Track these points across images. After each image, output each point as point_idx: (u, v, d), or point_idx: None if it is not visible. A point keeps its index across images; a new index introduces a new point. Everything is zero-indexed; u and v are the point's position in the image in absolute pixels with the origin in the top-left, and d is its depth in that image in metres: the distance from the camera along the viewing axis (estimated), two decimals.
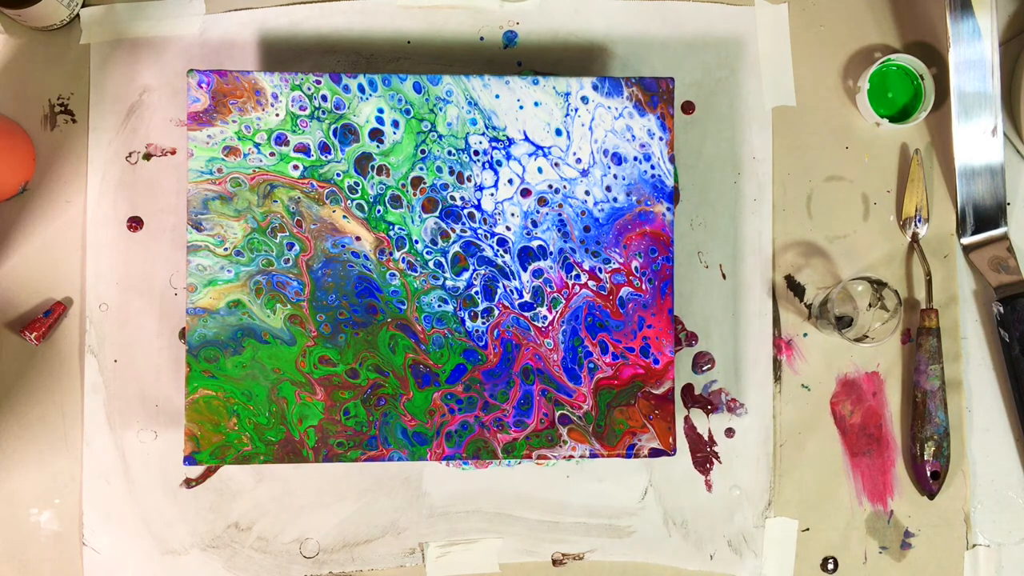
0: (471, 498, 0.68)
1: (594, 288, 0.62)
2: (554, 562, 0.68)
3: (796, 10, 0.71)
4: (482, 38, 0.70)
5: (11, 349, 0.67)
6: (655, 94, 0.62)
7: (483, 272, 0.61)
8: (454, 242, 0.61)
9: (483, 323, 0.61)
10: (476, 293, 0.61)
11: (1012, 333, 0.69)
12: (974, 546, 0.70)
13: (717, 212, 0.70)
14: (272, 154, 0.60)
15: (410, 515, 0.68)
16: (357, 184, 0.61)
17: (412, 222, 0.61)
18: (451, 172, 0.61)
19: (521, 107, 0.62)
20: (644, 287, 0.62)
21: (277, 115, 0.60)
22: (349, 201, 0.61)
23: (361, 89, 0.61)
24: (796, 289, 0.70)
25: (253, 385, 0.60)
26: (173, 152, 0.68)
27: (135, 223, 0.68)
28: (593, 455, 0.61)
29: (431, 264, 0.61)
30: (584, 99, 0.62)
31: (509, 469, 0.69)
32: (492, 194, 0.61)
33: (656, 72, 0.70)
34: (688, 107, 0.70)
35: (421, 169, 0.61)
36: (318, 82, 0.60)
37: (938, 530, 0.70)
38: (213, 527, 0.67)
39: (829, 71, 0.71)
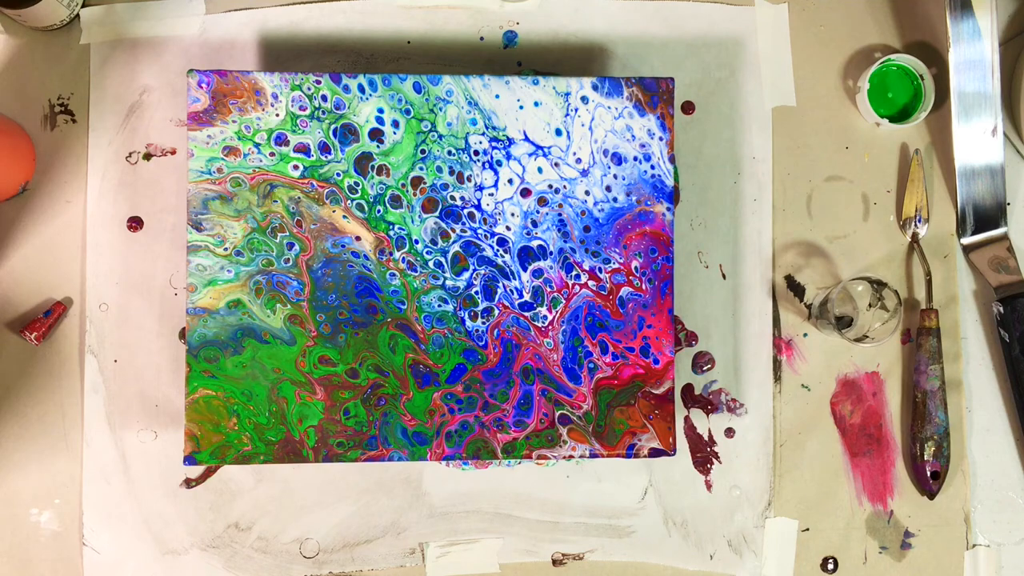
0: (471, 498, 0.68)
1: (594, 288, 0.62)
2: (554, 562, 0.68)
3: (796, 10, 0.71)
4: (482, 38, 0.70)
5: (11, 349, 0.67)
6: (655, 94, 0.62)
7: (483, 272, 0.61)
8: (454, 242, 0.61)
9: (483, 323, 0.61)
10: (476, 293, 0.61)
11: (1012, 333, 0.69)
12: (974, 546, 0.70)
13: (717, 212, 0.70)
14: (272, 154, 0.60)
15: (410, 515, 0.68)
16: (357, 184, 0.61)
17: (412, 222, 0.61)
18: (451, 172, 0.61)
19: (521, 107, 0.62)
20: (644, 287, 0.62)
21: (277, 115, 0.60)
22: (349, 201, 0.61)
23: (361, 89, 0.61)
24: (796, 289, 0.70)
25: (253, 385, 0.60)
26: (173, 152, 0.68)
27: (135, 223, 0.68)
28: (593, 455, 0.61)
29: (431, 264, 0.61)
30: (584, 99, 0.62)
31: (509, 469, 0.69)
32: (492, 194, 0.61)
33: (656, 72, 0.70)
34: (688, 107, 0.70)
35: (421, 169, 0.61)
36: (318, 82, 0.60)
37: (938, 530, 0.70)
38: (213, 527, 0.67)
39: (829, 71, 0.71)
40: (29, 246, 0.67)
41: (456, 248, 0.61)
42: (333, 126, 0.61)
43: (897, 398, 0.70)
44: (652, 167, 0.62)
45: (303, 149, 0.60)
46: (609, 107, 0.62)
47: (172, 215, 0.68)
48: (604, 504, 0.69)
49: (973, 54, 0.68)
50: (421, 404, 0.60)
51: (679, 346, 0.70)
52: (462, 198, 0.61)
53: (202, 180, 0.60)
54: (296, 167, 0.60)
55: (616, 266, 0.62)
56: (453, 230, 0.61)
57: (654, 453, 0.62)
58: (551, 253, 0.62)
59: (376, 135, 0.61)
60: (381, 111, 0.61)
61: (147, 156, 0.68)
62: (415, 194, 0.61)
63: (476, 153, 0.61)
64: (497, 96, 0.61)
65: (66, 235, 0.68)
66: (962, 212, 0.71)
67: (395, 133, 0.61)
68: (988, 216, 0.70)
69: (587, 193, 0.62)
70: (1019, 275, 0.69)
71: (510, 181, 0.62)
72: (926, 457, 0.68)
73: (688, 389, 0.69)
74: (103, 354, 0.67)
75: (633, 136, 0.62)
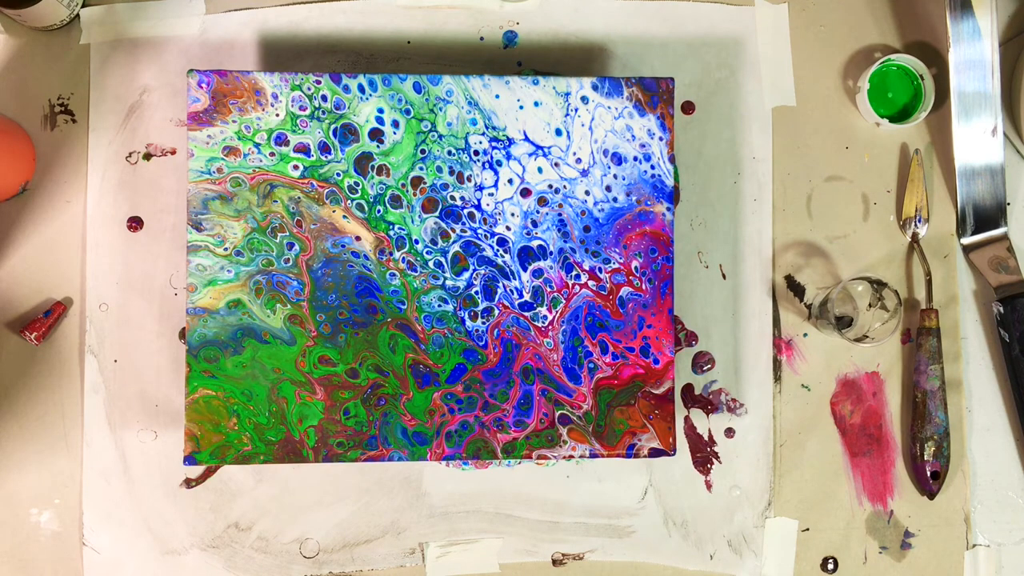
0: (471, 498, 0.68)
1: (594, 288, 0.62)
2: (554, 562, 0.68)
3: (796, 10, 0.71)
4: (482, 38, 0.70)
5: (11, 349, 0.67)
6: (655, 94, 0.62)
7: (483, 272, 0.61)
8: (454, 242, 0.61)
9: (483, 323, 0.61)
10: (476, 293, 0.61)
11: (1012, 333, 0.69)
12: (974, 546, 0.70)
13: (717, 212, 0.70)
14: (272, 154, 0.60)
15: (410, 515, 0.68)
16: (357, 184, 0.61)
17: (412, 222, 0.61)
18: (451, 172, 0.61)
19: (521, 107, 0.62)
20: (644, 287, 0.62)
21: (277, 115, 0.60)
22: (349, 201, 0.61)
23: (361, 89, 0.61)
24: (796, 289, 0.70)
25: (253, 385, 0.60)
26: (173, 152, 0.68)
27: (135, 223, 0.68)
28: (593, 455, 0.61)
29: (431, 264, 0.61)
30: (584, 99, 0.62)
31: (509, 469, 0.69)
32: (492, 194, 0.61)
33: (656, 72, 0.70)
34: (688, 107, 0.70)
35: (421, 169, 0.61)
36: (318, 82, 0.60)
37: (938, 530, 0.70)
38: (213, 527, 0.67)
39: (829, 71, 0.71)
40: (29, 246, 0.67)
41: (456, 248, 0.61)
42: (333, 126, 0.61)
43: (897, 398, 0.70)
44: (652, 167, 0.62)
45: (303, 149, 0.60)
46: (609, 107, 0.62)
47: (172, 215, 0.68)
48: (604, 504, 0.69)
49: (973, 54, 0.68)
50: (421, 404, 0.60)
51: (679, 346, 0.70)
52: (462, 198, 0.61)
53: (202, 180, 0.60)
54: (296, 167, 0.60)
55: (616, 266, 0.62)
56: (453, 230, 0.61)
57: (654, 453, 0.62)
58: (551, 253, 0.62)
59: (376, 135, 0.61)
60: (381, 111, 0.61)
61: (147, 156, 0.68)
62: (415, 194, 0.61)
63: (476, 153, 0.61)
64: (497, 96, 0.61)
65: (66, 235, 0.68)
66: (962, 212, 0.71)
67: (395, 133, 0.61)
68: (988, 216, 0.70)
69: (587, 193, 0.62)
70: (1019, 275, 0.69)
71: (510, 181, 0.62)
72: (926, 457, 0.68)
73: (688, 389, 0.69)
74: (103, 354, 0.67)
75: (633, 136, 0.62)
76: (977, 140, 0.69)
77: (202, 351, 0.59)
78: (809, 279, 0.70)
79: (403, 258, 0.61)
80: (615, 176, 0.62)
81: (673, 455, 0.62)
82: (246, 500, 0.67)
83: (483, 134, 0.61)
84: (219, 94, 0.60)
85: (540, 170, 0.62)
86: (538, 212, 0.62)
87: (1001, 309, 0.69)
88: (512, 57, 0.70)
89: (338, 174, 0.61)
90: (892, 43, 0.72)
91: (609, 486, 0.69)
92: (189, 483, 0.67)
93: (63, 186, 0.68)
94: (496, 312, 0.61)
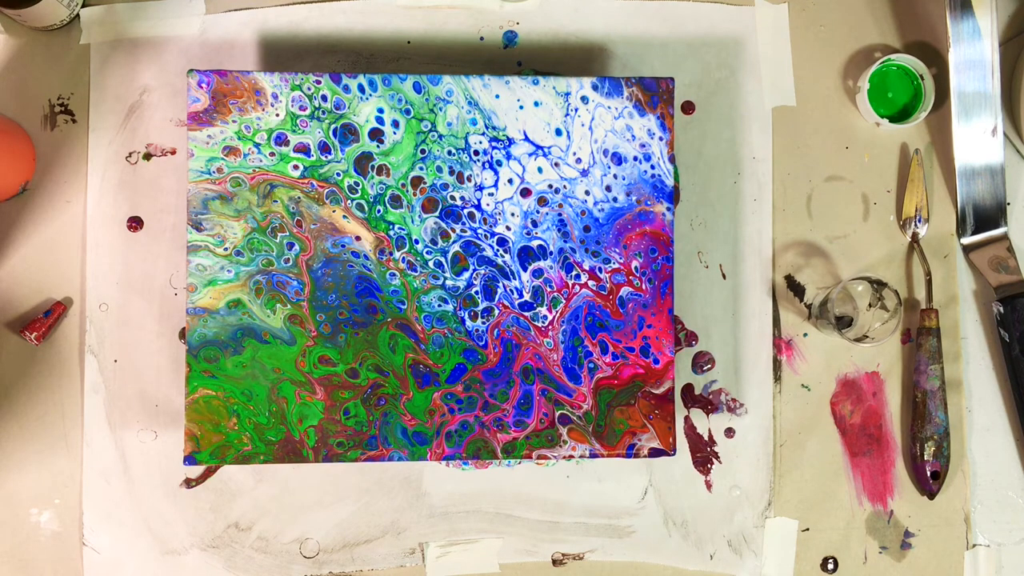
0: (471, 498, 0.68)
1: (594, 288, 0.62)
2: (554, 562, 0.68)
3: (796, 10, 0.71)
4: (482, 38, 0.70)
5: (11, 349, 0.67)
6: (655, 94, 0.62)
7: (483, 272, 0.61)
8: (454, 242, 0.61)
9: (483, 323, 0.61)
10: (476, 293, 0.61)
11: (1012, 333, 0.69)
12: (974, 546, 0.70)
13: (717, 212, 0.70)
14: (272, 154, 0.60)
15: (410, 515, 0.68)
16: (357, 184, 0.61)
17: (412, 222, 0.61)
18: (451, 172, 0.61)
19: (521, 107, 0.62)
20: (644, 287, 0.62)
21: (277, 115, 0.60)
22: (349, 201, 0.61)
23: (361, 89, 0.61)
24: (796, 289, 0.70)
25: (253, 385, 0.60)
26: (173, 152, 0.68)
27: (135, 223, 0.68)
28: (593, 455, 0.61)
29: (431, 264, 0.61)
30: (584, 99, 0.62)
31: (509, 469, 0.69)
32: (492, 194, 0.61)
33: (656, 72, 0.70)
34: (688, 107, 0.70)
35: (421, 169, 0.61)
36: (318, 82, 0.60)
37: (938, 530, 0.70)
38: (213, 527, 0.67)
39: (829, 71, 0.71)
40: (29, 246, 0.67)
41: (456, 248, 0.61)
42: (333, 126, 0.61)
43: (897, 398, 0.70)
44: (652, 167, 0.62)
45: (303, 149, 0.60)
46: (609, 107, 0.62)
47: (172, 215, 0.68)
48: (604, 504, 0.69)
49: (973, 54, 0.68)
50: (421, 404, 0.60)
51: (679, 346, 0.70)
52: (462, 198, 0.61)
53: (202, 180, 0.60)
54: (296, 167, 0.60)
55: (616, 266, 0.62)
56: (453, 230, 0.61)
57: (654, 453, 0.62)
58: (551, 253, 0.62)
59: (376, 135, 0.61)
60: (381, 111, 0.61)
61: (147, 156, 0.68)
62: (415, 194, 0.61)
63: (476, 153, 0.61)
64: (497, 96, 0.61)
65: (66, 235, 0.68)
66: (962, 212, 0.71)
67: (395, 133, 0.61)
68: (988, 216, 0.70)
69: (587, 193, 0.62)
70: (1019, 275, 0.69)
71: (510, 181, 0.62)
72: (926, 457, 0.68)
73: (688, 389, 0.69)
74: (103, 354, 0.67)
75: (633, 136, 0.62)
76: (977, 140, 0.69)
77: (202, 351, 0.59)
78: (809, 279, 0.70)
79: (403, 258, 0.61)
80: (615, 176, 0.62)
81: (673, 455, 0.62)
82: (246, 500, 0.67)
83: (483, 134, 0.61)
84: (219, 94, 0.60)
85: (540, 170, 0.62)
86: (538, 212, 0.62)
87: (1001, 309, 0.69)
88: (512, 57, 0.70)
89: (338, 174, 0.61)
90: (892, 43, 0.72)
91: (609, 486, 0.69)
92: (189, 483, 0.67)
93: (63, 186, 0.68)
94: (496, 312, 0.61)
